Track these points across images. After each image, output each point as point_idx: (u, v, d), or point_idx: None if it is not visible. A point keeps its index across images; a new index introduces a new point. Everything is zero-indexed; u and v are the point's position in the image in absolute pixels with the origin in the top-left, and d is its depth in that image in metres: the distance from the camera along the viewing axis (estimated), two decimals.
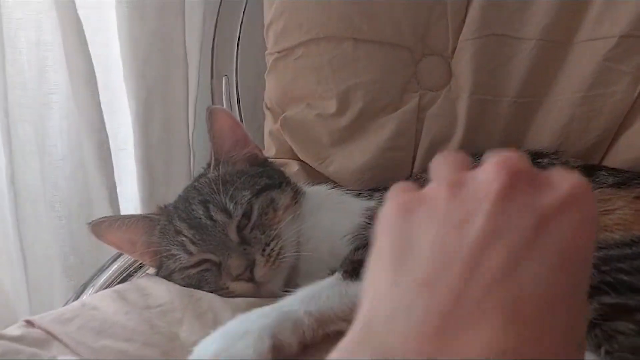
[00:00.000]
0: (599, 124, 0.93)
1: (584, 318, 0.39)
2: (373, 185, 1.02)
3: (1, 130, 1.12)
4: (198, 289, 0.80)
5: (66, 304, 0.94)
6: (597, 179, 0.81)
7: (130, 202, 1.30)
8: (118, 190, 1.24)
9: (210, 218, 0.80)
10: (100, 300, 0.73)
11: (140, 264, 1.03)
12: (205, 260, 0.81)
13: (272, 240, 0.79)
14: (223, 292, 0.78)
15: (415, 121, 1.03)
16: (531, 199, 0.37)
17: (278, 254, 0.78)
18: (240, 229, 0.80)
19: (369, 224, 0.82)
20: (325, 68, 1.04)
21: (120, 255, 1.08)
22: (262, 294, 0.77)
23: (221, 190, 0.82)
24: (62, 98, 1.19)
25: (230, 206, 0.81)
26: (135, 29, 1.19)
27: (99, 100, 1.17)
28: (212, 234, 0.80)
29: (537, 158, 0.90)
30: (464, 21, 0.99)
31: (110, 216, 0.93)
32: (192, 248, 0.81)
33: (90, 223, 0.84)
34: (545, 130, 0.97)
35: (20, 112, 1.15)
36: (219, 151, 0.88)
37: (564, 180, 0.38)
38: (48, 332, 0.61)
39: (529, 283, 0.34)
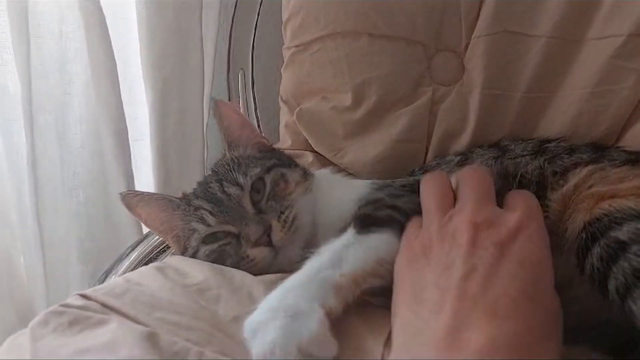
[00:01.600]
0: (606, 118, 0.96)
1: (552, 313, 0.57)
2: (385, 176, 1.06)
3: (24, 119, 1.15)
4: (221, 264, 0.83)
5: None
6: (608, 155, 0.83)
7: (146, 190, 1.33)
8: (134, 180, 1.28)
9: (224, 192, 0.86)
10: (142, 277, 0.75)
11: (160, 251, 1.07)
12: (225, 235, 0.85)
13: (286, 209, 0.84)
14: (244, 262, 0.82)
15: (428, 115, 1.07)
16: (491, 236, 0.59)
17: (293, 219, 0.83)
18: (255, 202, 0.85)
19: (373, 189, 0.88)
20: (341, 62, 1.08)
21: (140, 242, 1.12)
22: (281, 259, 0.80)
23: (233, 168, 0.88)
24: (82, 88, 1.22)
25: (241, 179, 0.86)
26: (153, 22, 1.23)
27: (119, 91, 1.20)
28: (229, 206, 0.85)
29: (545, 143, 0.93)
30: (477, 18, 1.02)
31: (139, 190, 0.99)
32: (210, 220, 0.86)
33: (121, 194, 0.90)
34: (555, 124, 1.00)
35: (42, 101, 1.18)
36: (228, 138, 0.95)
37: (514, 212, 0.61)
38: (105, 305, 0.64)
39: (500, 293, 0.54)
